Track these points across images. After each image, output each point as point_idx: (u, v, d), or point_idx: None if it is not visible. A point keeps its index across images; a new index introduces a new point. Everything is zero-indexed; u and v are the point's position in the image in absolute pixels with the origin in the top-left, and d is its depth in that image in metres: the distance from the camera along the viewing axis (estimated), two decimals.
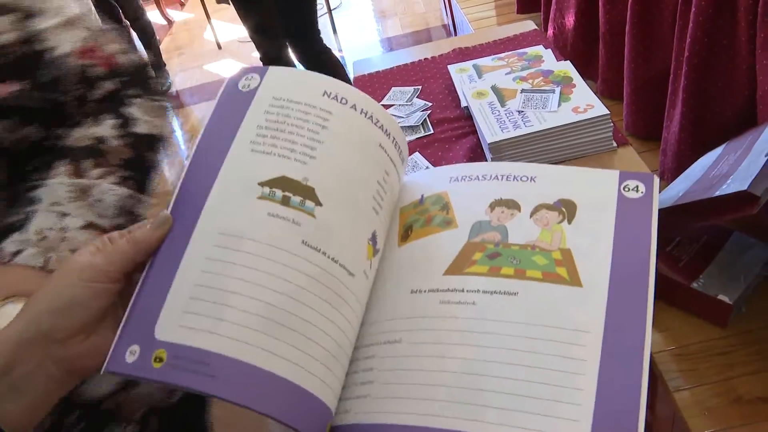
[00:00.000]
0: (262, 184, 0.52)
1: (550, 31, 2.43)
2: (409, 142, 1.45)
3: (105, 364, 0.46)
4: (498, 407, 0.46)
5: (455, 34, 3.82)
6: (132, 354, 0.46)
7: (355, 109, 0.58)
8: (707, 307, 1.42)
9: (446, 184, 0.61)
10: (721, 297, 1.39)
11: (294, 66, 3.03)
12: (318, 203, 0.52)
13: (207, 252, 0.49)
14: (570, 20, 2.25)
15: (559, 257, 0.52)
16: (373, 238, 0.56)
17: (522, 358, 0.47)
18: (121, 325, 0.48)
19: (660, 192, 1.67)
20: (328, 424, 0.49)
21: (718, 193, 1.29)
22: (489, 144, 1.24)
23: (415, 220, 0.60)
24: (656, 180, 0.56)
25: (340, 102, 0.57)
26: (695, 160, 1.54)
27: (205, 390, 0.44)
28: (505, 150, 1.24)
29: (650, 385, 1.49)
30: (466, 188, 0.60)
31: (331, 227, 0.52)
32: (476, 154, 1.35)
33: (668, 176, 1.76)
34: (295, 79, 0.58)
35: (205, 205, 0.51)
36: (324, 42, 2.87)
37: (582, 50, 2.26)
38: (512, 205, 0.57)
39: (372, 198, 0.56)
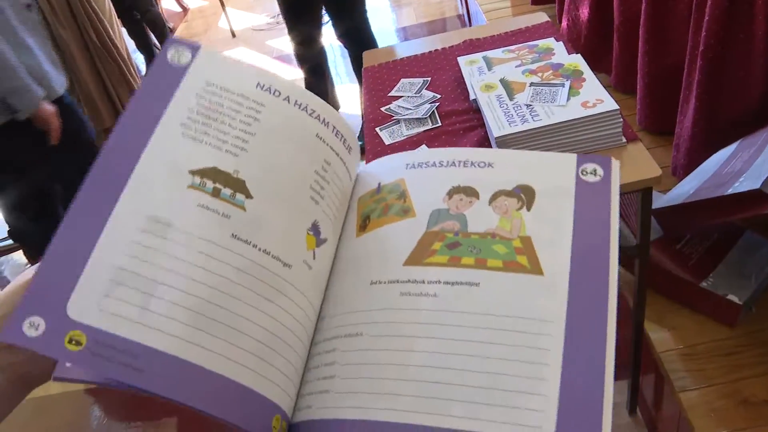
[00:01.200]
0: (192, 173, 0.51)
1: (564, 23, 2.40)
2: (416, 135, 1.43)
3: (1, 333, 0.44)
4: (462, 400, 0.45)
5: (470, 25, 3.79)
6: (33, 327, 0.43)
7: (289, 101, 0.58)
8: (716, 307, 1.40)
9: (403, 172, 0.60)
10: (730, 297, 1.37)
11: (324, 50, 3.04)
12: (249, 196, 0.52)
13: (131, 235, 0.48)
14: (584, 12, 2.22)
15: (519, 245, 0.52)
16: (314, 228, 0.56)
17: (485, 350, 0.47)
18: (24, 294, 0.45)
19: (672, 188, 1.64)
20: (275, 417, 0.48)
21: (730, 191, 1.27)
22: (495, 138, 1.22)
23: (372, 210, 0.59)
24: (615, 163, 0.55)
25: (273, 94, 0.57)
26: (708, 157, 1.52)
27: (133, 383, 0.43)
28: (511, 144, 1.22)
29: (656, 385, 1.48)
30: (423, 175, 0.59)
31: (262, 220, 0.52)
32: (484, 147, 1.34)
33: (680, 172, 1.73)
34: (229, 67, 0.58)
35: (127, 184, 0.50)
36: (367, 20, 2.86)
37: (596, 43, 2.23)
38: (470, 192, 0.56)
39: (309, 188, 0.56)
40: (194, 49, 0.57)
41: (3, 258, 3.12)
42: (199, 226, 0.50)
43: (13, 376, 0.47)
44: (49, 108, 1.98)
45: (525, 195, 0.55)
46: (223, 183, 0.52)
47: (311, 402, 0.50)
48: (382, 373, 0.48)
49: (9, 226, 2.92)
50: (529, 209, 0.54)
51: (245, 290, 0.49)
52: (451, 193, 0.56)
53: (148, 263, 0.47)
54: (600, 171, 0.55)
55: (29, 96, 1.91)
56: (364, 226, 0.58)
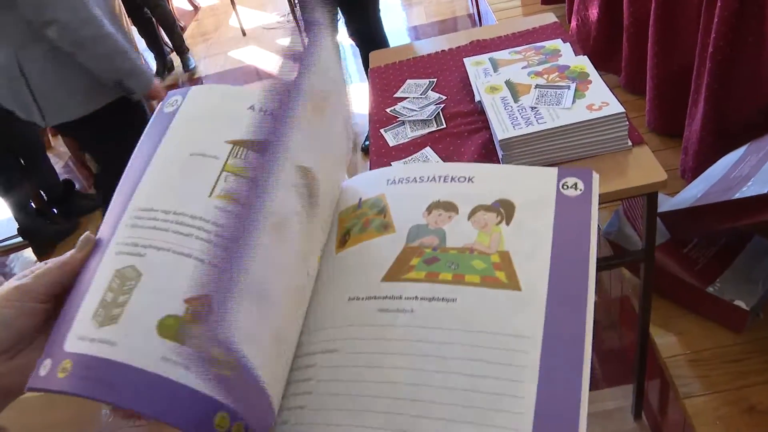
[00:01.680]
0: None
1: (573, 23, 2.38)
2: (421, 137, 1.42)
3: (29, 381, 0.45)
4: (438, 418, 0.45)
5: (480, 24, 3.77)
6: (44, 368, 0.45)
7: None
8: (723, 313, 1.39)
9: (384, 187, 0.60)
10: (737, 303, 1.36)
11: (339, 48, 3.03)
12: (316, 203, 0.52)
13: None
14: (594, 12, 2.20)
15: (497, 260, 0.52)
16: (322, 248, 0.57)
17: (461, 367, 0.46)
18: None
19: (679, 192, 1.62)
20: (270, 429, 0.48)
21: (737, 196, 1.25)
22: (500, 141, 1.21)
23: (353, 225, 0.59)
24: (595, 176, 0.55)
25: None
26: (717, 160, 1.50)
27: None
28: (516, 147, 1.21)
29: (661, 390, 1.45)
30: (403, 191, 0.59)
31: (314, 233, 0.52)
32: (488, 150, 1.32)
33: (688, 176, 1.71)
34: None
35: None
36: (379, 19, 2.87)
37: (605, 43, 2.21)
38: (450, 207, 0.56)
39: (328, 206, 0.57)
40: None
41: (12, 255, 3.15)
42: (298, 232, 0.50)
43: None
44: (159, 84, 2.04)
45: (504, 209, 0.54)
46: (311, 184, 0.52)
47: (288, 417, 0.50)
48: (357, 389, 0.48)
49: (18, 224, 2.94)
50: (508, 223, 0.53)
51: (298, 310, 0.51)
52: (430, 209, 0.56)
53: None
54: (581, 185, 0.54)
55: (144, 77, 1.95)
56: (344, 241, 0.58)
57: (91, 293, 0.48)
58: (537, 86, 1.30)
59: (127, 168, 0.54)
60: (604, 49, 2.23)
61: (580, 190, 0.54)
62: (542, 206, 0.54)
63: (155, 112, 0.57)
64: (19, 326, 0.47)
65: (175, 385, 0.43)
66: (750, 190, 1.23)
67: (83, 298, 0.47)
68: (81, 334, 0.46)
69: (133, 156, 0.55)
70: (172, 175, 0.52)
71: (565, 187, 0.54)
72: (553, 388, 0.44)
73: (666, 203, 1.45)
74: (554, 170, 0.56)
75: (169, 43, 4.58)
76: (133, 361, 0.44)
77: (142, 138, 0.56)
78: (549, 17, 1.76)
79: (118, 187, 0.53)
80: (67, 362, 0.44)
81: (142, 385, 0.43)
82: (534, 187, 0.55)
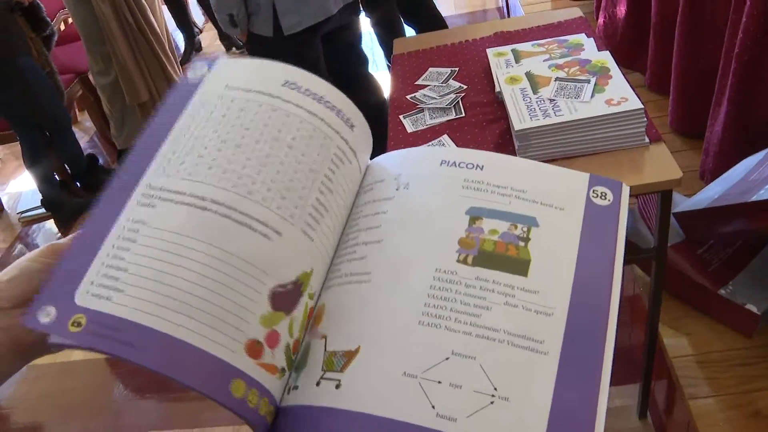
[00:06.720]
0: None
1: (600, 20, 2.36)
2: (439, 124, 1.43)
3: (23, 318, 0.46)
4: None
5: (508, 17, 3.75)
6: (46, 315, 0.45)
7: None
8: (733, 316, 1.38)
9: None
10: (748, 306, 1.34)
11: (404, 30, 3.09)
12: None
13: None
14: (621, 9, 2.18)
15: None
16: None
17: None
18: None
19: (696, 193, 1.60)
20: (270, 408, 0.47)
21: (754, 198, 1.24)
22: (516, 131, 1.21)
23: None
24: (625, 188, 0.54)
25: None
26: (737, 162, 1.48)
27: None
28: (532, 138, 1.21)
29: (668, 390, 1.44)
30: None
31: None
32: (505, 140, 1.32)
33: (708, 177, 1.69)
34: None
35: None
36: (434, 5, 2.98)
37: (632, 41, 2.19)
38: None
39: None
40: None
41: (35, 225, 3.20)
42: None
43: (11, 338, 0.48)
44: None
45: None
46: None
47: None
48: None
49: (42, 196, 2.99)
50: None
51: None
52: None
53: None
54: (610, 195, 0.54)
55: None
56: None
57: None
58: (557, 79, 1.30)
59: (141, 138, 0.53)
60: (630, 47, 2.21)
61: (609, 200, 0.54)
62: (571, 209, 0.53)
63: (179, 83, 0.56)
64: (41, 282, 0.47)
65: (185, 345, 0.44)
66: (767, 193, 1.22)
67: (97, 249, 0.48)
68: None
69: (150, 126, 0.54)
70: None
71: (594, 195, 0.54)
72: (568, 399, 0.43)
73: (683, 203, 1.44)
74: (586, 176, 0.55)
75: (198, 24, 4.61)
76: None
77: (161, 110, 0.54)
78: (575, 12, 1.75)
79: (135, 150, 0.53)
80: (79, 316, 0.45)
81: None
82: (565, 190, 0.54)
